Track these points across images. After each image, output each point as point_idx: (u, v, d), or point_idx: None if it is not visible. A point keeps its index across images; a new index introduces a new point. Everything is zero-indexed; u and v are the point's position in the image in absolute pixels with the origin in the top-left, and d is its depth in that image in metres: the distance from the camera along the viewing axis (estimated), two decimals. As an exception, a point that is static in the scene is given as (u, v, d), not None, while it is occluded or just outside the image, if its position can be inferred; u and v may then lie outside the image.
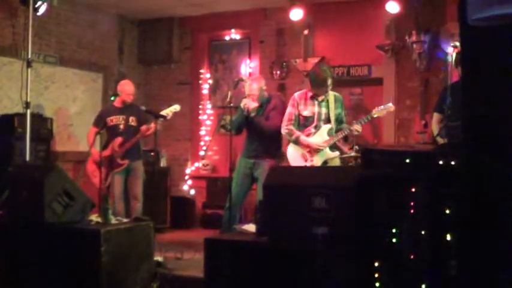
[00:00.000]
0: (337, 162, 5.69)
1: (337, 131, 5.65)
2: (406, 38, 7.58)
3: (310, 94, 5.67)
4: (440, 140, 5.18)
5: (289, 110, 5.71)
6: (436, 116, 5.77)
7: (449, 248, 3.13)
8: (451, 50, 5.10)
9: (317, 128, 5.60)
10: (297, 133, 5.60)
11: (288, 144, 5.80)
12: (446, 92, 5.29)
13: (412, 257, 3.33)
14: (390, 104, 5.81)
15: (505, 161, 2.49)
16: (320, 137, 5.57)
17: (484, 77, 2.56)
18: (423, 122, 7.31)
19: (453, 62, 5.02)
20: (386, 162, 3.57)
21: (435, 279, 3.22)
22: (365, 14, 7.93)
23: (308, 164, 5.57)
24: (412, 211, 3.34)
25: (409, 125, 7.66)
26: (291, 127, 5.63)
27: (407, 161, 3.42)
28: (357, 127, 5.55)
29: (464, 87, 2.68)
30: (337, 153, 5.67)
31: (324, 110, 5.62)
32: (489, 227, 2.54)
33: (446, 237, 3.13)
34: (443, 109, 5.15)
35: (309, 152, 5.59)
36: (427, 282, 3.24)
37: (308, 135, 5.60)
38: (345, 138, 6.02)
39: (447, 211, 3.15)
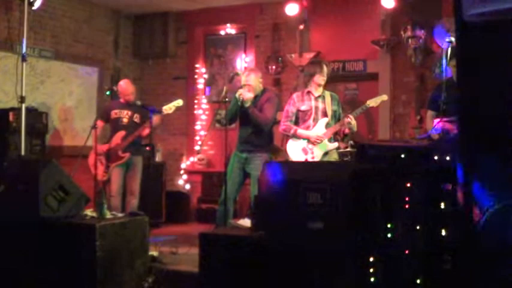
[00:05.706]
0: (335, 155, 5.76)
1: None
2: (402, 33, 7.58)
3: (306, 91, 5.79)
4: (435, 136, 5.18)
5: (286, 107, 5.84)
6: (429, 113, 5.78)
7: (444, 242, 3.14)
8: (446, 46, 5.09)
9: (315, 120, 5.70)
10: (294, 127, 5.72)
11: (287, 141, 5.85)
12: (439, 89, 5.30)
13: (407, 251, 3.35)
14: (384, 95, 5.96)
15: (500, 156, 2.50)
16: (318, 129, 5.66)
17: (479, 72, 2.57)
18: (418, 117, 7.32)
19: (448, 57, 5.02)
20: (382, 157, 3.58)
21: (430, 274, 3.24)
22: (360, 9, 7.93)
23: (309, 157, 5.63)
24: (407, 206, 3.35)
25: (404, 120, 7.67)
26: (288, 123, 5.75)
27: (403, 156, 3.43)
28: (349, 119, 5.60)
29: (459, 82, 2.69)
30: (336, 144, 5.75)
31: (320, 105, 5.73)
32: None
33: (441, 231, 3.15)
34: (437, 106, 5.16)
35: (309, 145, 5.66)
36: (422, 277, 3.25)
37: (307, 127, 5.70)
38: (343, 138, 6.04)
39: (442, 206, 3.17)
